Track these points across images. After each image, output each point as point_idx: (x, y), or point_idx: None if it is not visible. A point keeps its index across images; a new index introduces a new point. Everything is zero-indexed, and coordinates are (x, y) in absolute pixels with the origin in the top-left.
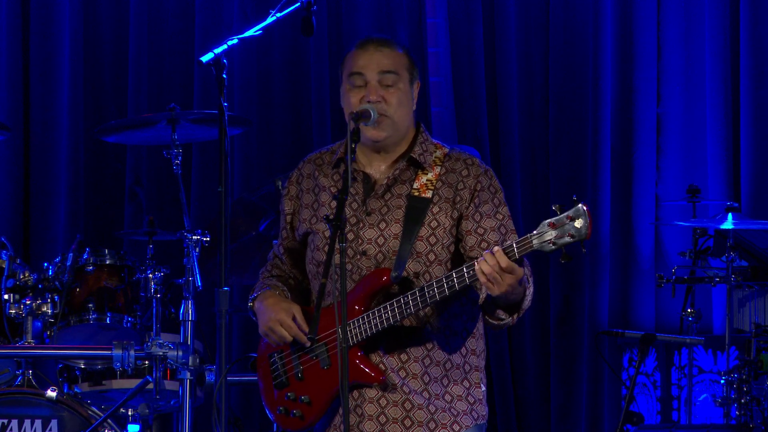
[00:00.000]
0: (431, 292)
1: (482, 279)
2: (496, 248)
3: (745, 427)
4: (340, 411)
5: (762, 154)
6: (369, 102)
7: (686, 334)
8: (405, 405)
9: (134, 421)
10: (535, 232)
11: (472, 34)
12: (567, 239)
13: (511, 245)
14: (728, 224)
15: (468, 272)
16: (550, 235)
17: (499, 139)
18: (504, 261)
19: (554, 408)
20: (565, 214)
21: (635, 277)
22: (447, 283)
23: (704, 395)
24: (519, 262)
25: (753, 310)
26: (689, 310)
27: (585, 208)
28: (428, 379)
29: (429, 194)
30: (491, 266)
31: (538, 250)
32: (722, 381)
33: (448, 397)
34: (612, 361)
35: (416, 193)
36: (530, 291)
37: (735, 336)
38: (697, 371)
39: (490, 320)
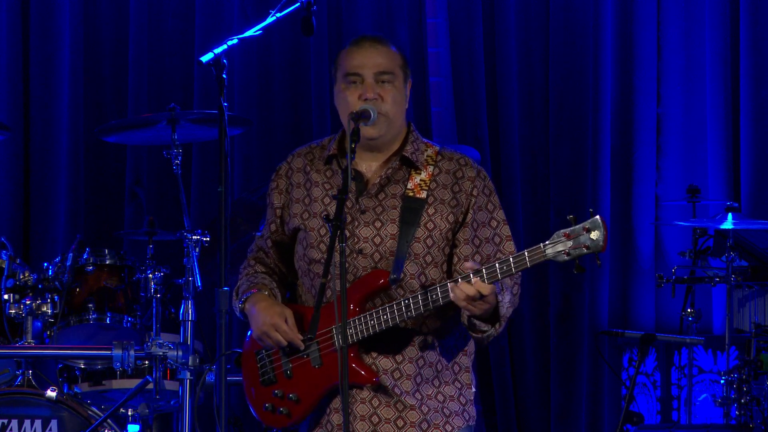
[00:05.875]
0: (434, 296)
1: (461, 305)
2: (473, 275)
3: (745, 427)
4: (327, 410)
5: (762, 154)
6: (366, 99)
7: (686, 334)
8: (397, 405)
9: (134, 421)
10: (548, 241)
11: (472, 34)
12: (582, 250)
13: (523, 254)
14: (728, 224)
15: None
16: (565, 245)
17: (499, 139)
18: (486, 289)
19: (554, 408)
20: (582, 225)
21: (635, 277)
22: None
23: (704, 395)
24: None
25: (753, 310)
26: (689, 310)
27: (602, 220)
28: (420, 380)
29: (423, 195)
30: (468, 294)
31: (551, 260)
32: (722, 381)
33: (440, 397)
34: (612, 361)
35: (410, 194)
36: (507, 299)
37: (735, 336)
38: (697, 371)
39: (474, 334)
